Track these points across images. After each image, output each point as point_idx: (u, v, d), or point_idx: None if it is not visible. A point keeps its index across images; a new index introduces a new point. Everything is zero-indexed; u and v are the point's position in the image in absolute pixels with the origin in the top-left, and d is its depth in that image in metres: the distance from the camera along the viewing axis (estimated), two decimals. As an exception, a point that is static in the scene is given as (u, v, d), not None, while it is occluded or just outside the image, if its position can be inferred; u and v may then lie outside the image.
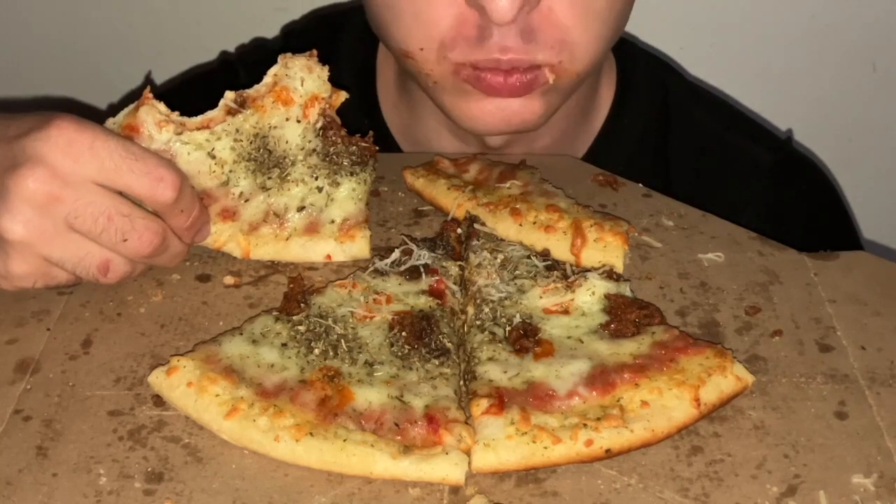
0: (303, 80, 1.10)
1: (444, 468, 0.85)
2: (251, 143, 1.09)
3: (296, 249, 1.11)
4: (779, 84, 1.98)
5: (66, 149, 0.97)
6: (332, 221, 1.11)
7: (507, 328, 0.98)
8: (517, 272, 1.04)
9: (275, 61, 1.11)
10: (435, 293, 1.02)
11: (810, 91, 1.99)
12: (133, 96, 1.10)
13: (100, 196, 0.99)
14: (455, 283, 1.04)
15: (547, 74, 1.21)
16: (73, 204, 0.98)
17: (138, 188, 1.00)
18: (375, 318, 0.99)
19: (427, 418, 0.88)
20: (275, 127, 1.10)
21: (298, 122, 1.10)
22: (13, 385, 0.95)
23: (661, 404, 0.90)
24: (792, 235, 1.20)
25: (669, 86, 1.56)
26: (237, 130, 1.09)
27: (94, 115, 1.03)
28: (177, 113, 1.07)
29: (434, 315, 0.99)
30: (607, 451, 0.87)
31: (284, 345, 0.95)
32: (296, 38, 1.63)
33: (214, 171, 1.09)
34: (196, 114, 1.08)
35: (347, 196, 1.12)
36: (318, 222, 1.11)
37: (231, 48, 1.81)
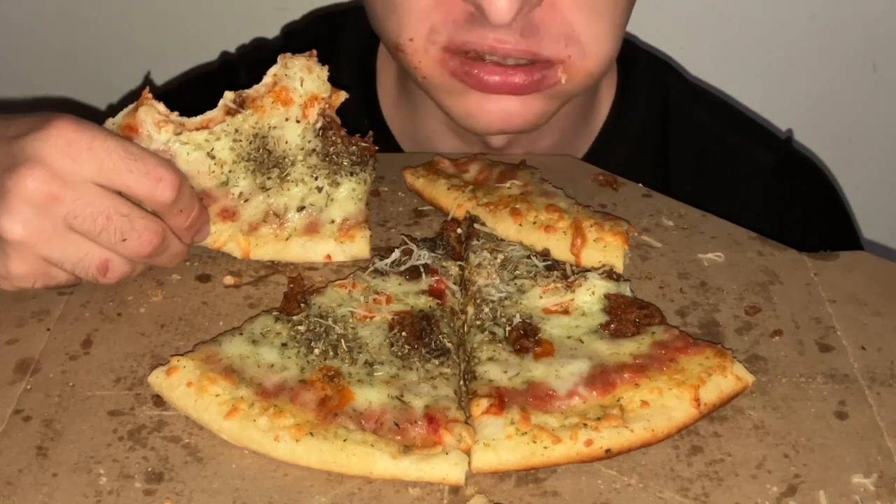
0: (302, 80, 1.10)
1: (444, 468, 0.85)
2: (251, 143, 1.09)
3: (296, 249, 1.11)
4: (779, 84, 1.98)
5: (64, 149, 0.97)
6: (332, 221, 1.11)
7: (507, 328, 0.98)
8: (517, 272, 1.04)
9: (275, 61, 1.11)
10: (435, 293, 1.02)
11: (810, 91, 1.99)
12: (133, 97, 1.10)
13: (99, 196, 0.99)
14: (455, 283, 1.04)
15: (559, 74, 1.22)
16: (72, 204, 0.98)
17: (137, 188, 1.00)
18: (375, 318, 0.99)
19: (427, 418, 0.88)
20: (274, 127, 1.10)
21: (298, 122, 1.10)
22: (13, 385, 0.95)
23: (661, 404, 0.90)
24: (792, 235, 1.20)
25: (669, 86, 1.56)
26: (236, 130, 1.09)
27: (93, 116, 1.03)
28: (176, 113, 1.07)
29: (434, 315, 0.99)
30: (607, 450, 0.87)
31: (284, 345, 0.95)
32: (296, 38, 1.63)
33: (214, 171, 1.09)
34: (196, 114, 1.08)
35: (347, 196, 1.12)
36: (318, 222, 1.11)
37: (231, 48, 1.81)
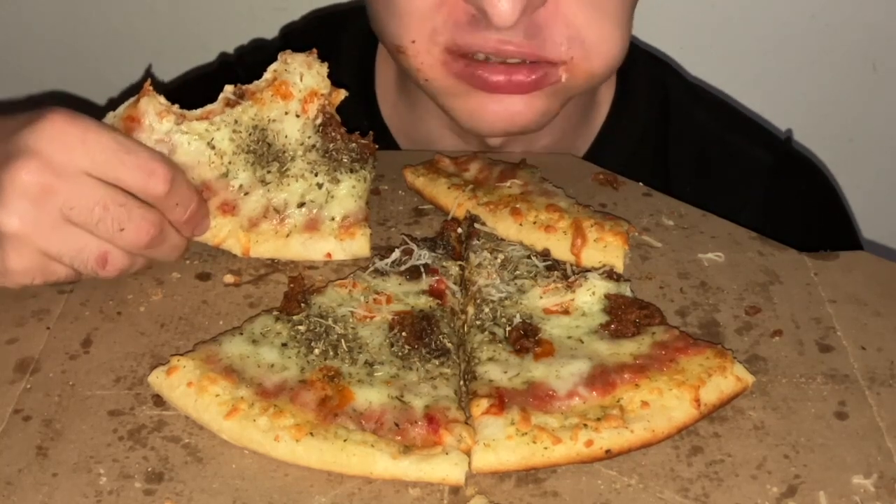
0: (302, 75, 1.10)
1: (445, 468, 0.85)
2: (250, 134, 1.10)
3: (296, 247, 1.11)
4: (779, 84, 1.98)
5: (58, 141, 0.97)
6: (333, 219, 1.11)
7: (508, 328, 0.97)
8: (517, 272, 1.04)
9: (274, 61, 1.11)
10: (435, 293, 1.02)
11: (810, 91, 1.99)
12: (133, 91, 1.10)
13: (94, 187, 0.99)
14: (455, 283, 1.04)
15: (560, 72, 1.22)
16: (68, 195, 0.98)
17: (130, 181, 1.00)
18: (376, 318, 0.99)
19: (427, 418, 0.88)
20: (274, 120, 1.10)
21: (297, 116, 1.11)
22: (13, 385, 0.95)
23: (662, 404, 0.90)
24: (791, 235, 1.20)
25: (669, 86, 1.56)
26: (236, 121, 1.09)
27: (92, 112, 1.03)
28: (176, 106, 1.08)
29: (434, 315, 0.99)
30: (607, 451, 0.87)
31: (284, 345, 0.95)
32: (295, 38, 1.63)
33: (214, 162, 1.09)
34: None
35: (347, 193, 1.12)
36: (318, 219, 1.11)
37: (231, 48, 1.81)
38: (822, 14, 1.90)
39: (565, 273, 1.04)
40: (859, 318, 1.04)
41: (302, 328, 0.96)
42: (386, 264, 1.05)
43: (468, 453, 0.87)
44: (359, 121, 1.40)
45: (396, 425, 0.88)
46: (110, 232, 1.00)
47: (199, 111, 1.09)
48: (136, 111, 1.06)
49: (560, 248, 1.09)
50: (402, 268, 1.05)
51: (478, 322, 0.99)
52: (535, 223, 1.11)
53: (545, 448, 0.87)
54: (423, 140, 1.45)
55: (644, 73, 1.53)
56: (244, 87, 1.10)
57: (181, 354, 0.94)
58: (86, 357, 0.98)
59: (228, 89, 1.10)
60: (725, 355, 0.95)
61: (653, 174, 1.41)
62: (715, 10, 1.91)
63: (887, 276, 1.10)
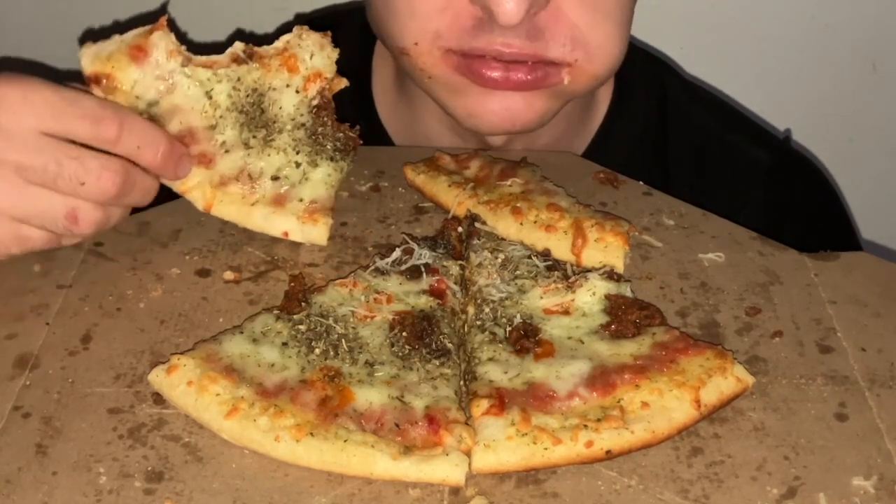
0: (313, 54, 1.11)
1: (445, 469, 0.85)
2: (248, 95, 1.10)
3: (257, 218, 1.12)
4: (779, 84, 1.98)
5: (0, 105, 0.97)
6: (301, 200, 1.12)
7: (508, 328, 0.97)
8: (518, 272, 1.04)
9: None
10: (435, 293, 1.02)
11: (810, 91, 1.99)
12: (140, 20, 1.10)
13: (44, 144, 0.99)
14: (456, 283, 1.04)
15: (563, 74, 1.22)
16: (18, 157, 0.98)
17: (79, 131, 0.99)
18: (376, 317, 0.98)
19: (427, 419, 0.88)
20: (274, 89, 1.10)
21: (297, 92, 1.11)
22: (12, 381, 0.95)
23: (662, 405, 0.90)
24: (790, 235, 1.20)
25: (667, 85, 1.56)
26: (238, 79, 1.09)
27: (51, 75, 1.03)
28: (184, 47, 1.08)
29: (435, 315, 0.99)
30: (607, 452, 0.87)
31: (285, 344, 0.95)
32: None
33: (206, 112, 1.09)
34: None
35: (322, 180, 1.12)
36: (286, 196, 1.12)
37: (230, 48, 1.80)
38: (822, 14, 1.90)
39: (566, 273, 1.04)
40: (859, 319, 1.04)
41: (302, 327, 0.96)
42: (386, 264, 1.05)
43: (468, 454, 0.87)
44: (355, 120, 1.40)
45: (397, 426, 0.87)
46: (71, 187, 1.00)
47: (204, 58, 1.08)
48: (146, 42, 1.06)
49: (560, 247, 1.09)
50: (403, 267, 1.04)
51: (478, 322, 0.99)
52: (535, 222, 1.11)
53: (545, 449, 0.87)
54: (422, 139, 1.45)
55: (642, 72, 1.53)
56: (254, 48, 1.10)
57: (181, 353, 0.93)
58: (85, 353, 0.98)
59: (239, 46, 1.09)
60: (726, 356, 0.95)
61: (652, 173, 1.40)
62: (715, 10, 1.91)
63: (887, 277, 1.10)
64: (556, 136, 1.41)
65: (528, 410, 0.89)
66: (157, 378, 0.92)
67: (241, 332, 0.96)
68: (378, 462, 0.85)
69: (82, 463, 0.87)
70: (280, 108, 1.11)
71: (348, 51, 1.51)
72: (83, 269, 1.09)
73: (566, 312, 1.00)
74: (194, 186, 1.11)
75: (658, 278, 1.09)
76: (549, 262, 1.06)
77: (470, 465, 0.86)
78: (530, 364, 0.93)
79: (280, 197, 1.12)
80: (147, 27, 1.07)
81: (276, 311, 0.99)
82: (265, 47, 1.11)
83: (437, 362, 0.94)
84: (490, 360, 0.94)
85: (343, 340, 0.95)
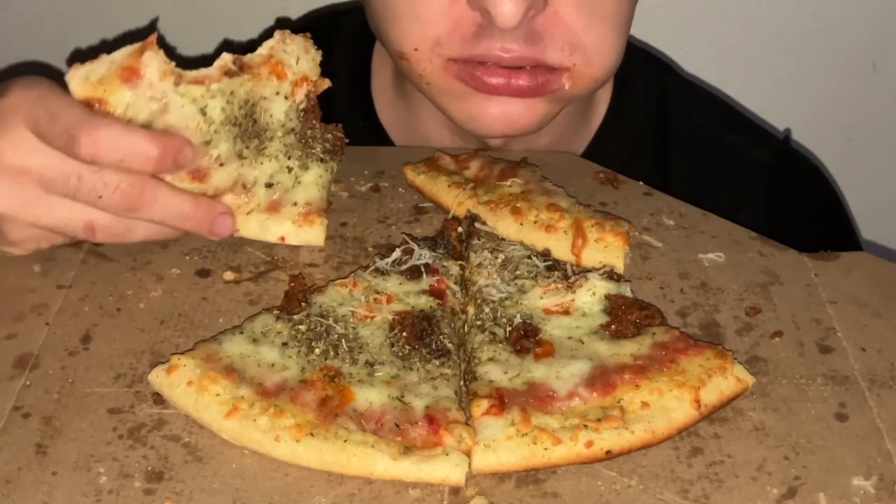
0: (298, 58, 1.10)
1: (445, 469, 0.85)
2: (241, 108, 1.09)
3: (253, 226, 1.11)
4: (779, 84, 1.98)
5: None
6: (295, 204, 1.12)
7: (508, 328, 0.97)
8: (518, 272, 1.04)
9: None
10: (435, 293, 1.02)
11: (810, 91, 1.99)
12: (130, 37, 1.08)
13: (64, 158, 1.00)
14: (456, 283, 1.04)
15: (563, 80, 1.22)
16: (41, 168, 1.00)
17: (60, 148, 0.99)
18: (376, 317, 0.98)
19: (427, 419, 0.88)
20: (265, 98, 1.10)
21: (286, 98, 1.10)
22: (12, 381, 0.95)
23: (662, 405, 0.90)
24: (790, 235, 1.20)
25: (667, 85, 1.56)
26: (231, 93, 1.08)
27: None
28: (173, 63, 1.06)
29: (435, 315, 0.99)
30: (608, 452, 0.87)
31: (285, 344, 0.95)
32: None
33: (201, 128, 1.07)
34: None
35: (313, 181, 1.12)
36: (281, 202, 1.12)
37: (230, 48, 1.80)
38: (822, 14, 1.91)
39: (566, 273, 1.04)
40: (859, 319, 1.04)
41: (302, 328, 0.96)
42: (386, 264, 1.05)
43: (468, 454, 0.87)
44: (355, 122, 1.40)
45: (397, 426, 0.87)
46: (90, 200, 1.01)
47: (194, 73, 1.06)
48: (137, 63, 1.03)
49: (560, 247, 1.09)
50: (403, 267, 1.04)
51: (478, 322, 0.99)
52: (535, 222, 1.11)
53: (545, 449, 0.87)
54: (421, 140, 1.45)
55: (641, 72, 1.53)
56: (242, 59, 1.08)
57: (181, 353, 0.93)
58: (85, 353, 0.98)
59: (228, 58, 1.08)
60: (726, 356, 0.94)
61: (651, 173, 1.41)
62: (715, 10, 1.91)
63: (888, 278, 1.10)
64: (556, 137, 1.41)
65: (528, 410, 0.89)
66: (157, 378, 0.92)
67: (241, 332, 0.96)
68: (378, 462, 0.85)
69: (82, 463, 0.86)
70: (271, 115, 1.10)
71: (348, 51, 1.52)
72: (83, 269, 1.09)
73: (566, 312, 1.00)
74: None
75: (658, 278, 1.09)
76: (549, 262, 1.06)
77: (470, 465, 0.86)
78: (530, 364, 0.93)
79: (274, 203, 1.11)
80: (137, 45, 1.04)
81: (276, 311, 0.99)
82: (250, 56, 1.09)
83: (437, 362, 0.94)
84: (490, 360, 0.94)
85: (343, 340, 0.95)
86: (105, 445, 0.88)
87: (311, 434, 0.86)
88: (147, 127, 1.04)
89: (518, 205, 1.12)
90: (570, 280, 1.02)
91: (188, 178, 1.08)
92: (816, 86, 1.98)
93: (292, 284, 1.01)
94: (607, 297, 1.00)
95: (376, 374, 0.92)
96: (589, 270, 1.05)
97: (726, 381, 0.93)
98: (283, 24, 1.79)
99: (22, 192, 1.00)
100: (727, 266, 1.11)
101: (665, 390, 0.91)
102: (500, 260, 1.06)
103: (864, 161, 2.05)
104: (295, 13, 1.86)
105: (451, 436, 0.87)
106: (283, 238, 1.12)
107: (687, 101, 1.55)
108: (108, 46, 1.06)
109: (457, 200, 1.16)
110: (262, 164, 1.11)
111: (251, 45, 1.12)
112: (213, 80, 1.07)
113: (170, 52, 1.06)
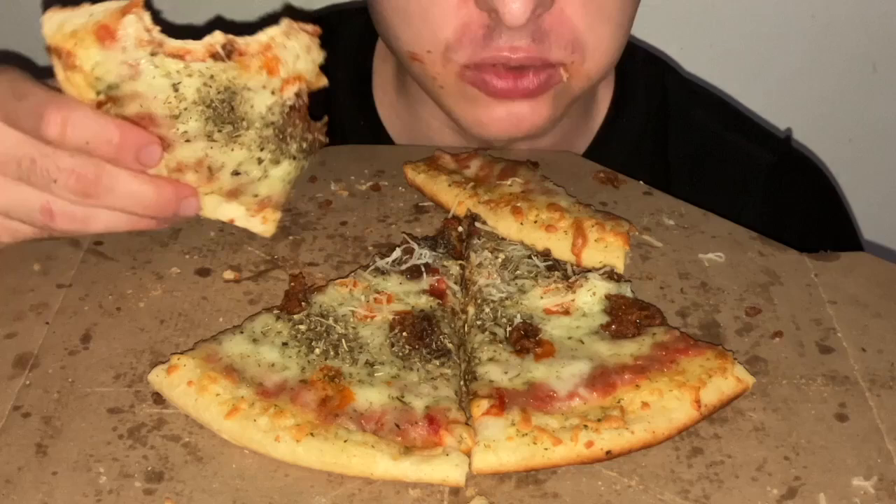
0: (298, 56, 1.04)
1: (445, 469, 0.85)
2: (219, 93, 1.02)
3: (208, 205, 1.08)
4: (779, 84, 1.98)
5: None
6: (255, 195, 1.09)
7: (508, 328, 0.97)
8: (518, 272, 1.04)
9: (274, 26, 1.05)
10: (436, 293, 1.02)
11: (810, 91, 1.99)
12: None
13: (23, 140, 0.98)
14: (456, 283, 1.04)
15: (561, 73, 1.22)
16: None
17: (25, 128, 0.98)
18: (376, 317, 0.98)
19: (428, 419, 0.88)
20: (249, 89, 1.03)
21: (273, 94, 1.04)
22: (12, 380, 0.95)
23: (662, 405, 0.90)
24: (791, 235, 1.20)
25: (668, 85, 1.56)
26: (212, 77, 1.01)
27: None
28: (158, 28, 0.99)
29: (435, 315, 0.99)
30: (608, 452, 0.87)
31: (285, 344, 0.94)
32: None
33: (170, 103, 1.01)
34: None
35: (280, 177, 1.08)
36: (242, 190, 1.08)
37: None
38: (822, 14, 1.90)
39: (566, 273, 1.04)
40: (860, 319, 1.04)
41: (303, 327, 0.96)
42: (386, 263, 1.05)
43: (468, 454, 0.87)
44: (356, 122, 1.40)
45: (397, 426, 0.87)
46: (44, 183, 0.99)
47: (176, 44, 0.99)
48: (117, 24, 0.97)
49: (561, 247, 1.09)
50: (403, 267, 1.04)
51: (478, 322, 0.99)
52: (535, 222, 1.10)
53: (545, 449, 0.87)
54: (422, 139, 1.45)
55: (642, 71, 1.53)
56: (235, 42, 1.01)
57: (181, 353, 0.93)
58: (85, 353, 0.98)
59: (219, 39, 1.00)
60: (726, 356, 0.94)
61: (652, 173, 1.40)
62: (715, 10, 1.91)
63: (888, 278, 1.10)
64: (559, 138, 1.41)
65: (529, 411, 0.89)
66: (157, 378, 0.92)
67: (242, 332, 0.96)
68: (378, 462, 0.85)
69: (82, 463, 0.86)
70: (252, 106, 1.04)
71: (349, 51, 1.51)
72: (83, 269, 1.09)
73: (566, 312, 1.00)
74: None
75: (658, 278, 1.09)
76: (550, 262, 1.06)
77: (470, 465, 0.86)
78: (530, 364, 0.93)
79: (235, 190, 1.08)
80: (121, 4, 0.98)
81: (276, 311, 0.99)
82: (246, 39, 1.02)
83: (437, 362, 0.94)
84: (490, 360, 0.94)
85: (343, 340, 0.95)
86: (105, 445, 0.88)
87: (312, 434, 0.86)
88: (113, 89, 0.99)
89: (518, 204, 1.12)
90: (571, 280, 1.02)
91: (160, 153, 1.03)
92: (817, 86, 1.98)
93: (292, 284, 1.01)
94: (607, 297, 1.00)
95: (376, 374, 0.92)
96: (589, 270, 1.05)
97: (726, 381, 0.93)
98: (293, 12, 1.79)
99: None
100: (727, 266, 1.11)
101: (665, 390, 0.91)
102: (500, 260, 1.06)
103: (864, 161, 2.05)
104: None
105: (452, 436, 0.87)
106: (232, 220, 1.10)
107: (687, 101, 1.55)
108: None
109: (457, 200, 1.16)
110: (232, 150, 1.05)
111: (248, 28, 1.05)
112: (195, 57, 1.00)
113: (156, 16, 1.00)
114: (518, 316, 0.99)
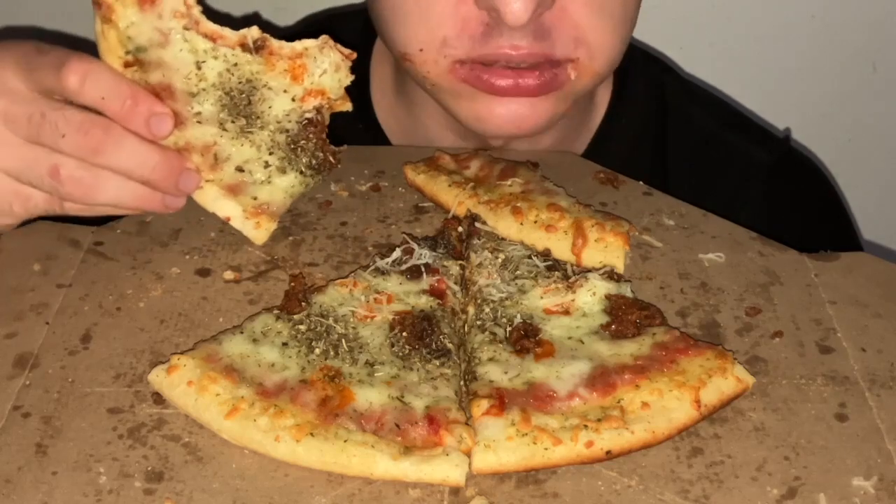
0: (325, 72, 1.06)
1: (445, 469, 0.85)
2: (240, 82, 1.05)
3: (207, 195, 1.09)
4: (779, 84, 1.98)
5: None
6: (255, 198, 1.10)
7: (508, 328, 0.97)
8: (518, 272, 1.04)
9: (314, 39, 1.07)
10: (436, 293, 1.02)
11: (810, 91, 1.99)
12: None
13: (31, 97, 1.00)
14: (456, 283, 1.04)
15: (569, 71, 1.22)
16: (4, 107, 1.00)
17: (44, 78, 0.99)
18: (376, 317, 0.98)
19: (428, 419, 0.88)
20: (269, 88, 1.06)
21: (293, 100, 1.07)
22: (12, 380, 0.95)
23: (662, 405, 0.90)
24: (790, 235, 1.20)
25: (666, 84, 1.56)
26: (236, 65, 1.04)
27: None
28: (200, 9, 1.02)
29: (435, 315, 0.99)
30: (608, 452, 0.87)
31: (285, 344, 0.95)
32: (289, 41, 1.62)
33: (190, 80, 1.04)
34: None
35: (284, 188, 1.10)
36: (242, 189, 1.09)
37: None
38: (822, 14, 1.90)
39: (566, 273, 1.04)
40: (860, 319, 1.04)
41: (303, 327, 0.96)
42: (386, 263, 1.05)
43: (468, 454, 0.87)
44: (353, 124, 1.40)
45: (397, 426, 0.87)
46: (53, 139, 1.00)
47: (212, 27, 1.03)
48: None
49: (561, 247, 1.09)
50: (403, 267, 1.04)
51: (478, 322, 0.99)
52: (535, 222, 1.10)
53: (545, 449, 0.87)
54: (421, 141, 1.44)
55: (641, 71, 1.53)
56: (269, 41, 1.04)
57: (181, 353, 0.93)
58: (85, 353, 0.98)
59: (254, 34, 1.04)
60: (726, 356, 0.94)
61: (651, 173, 1.41)
62: (715, 10, 1.91)
63: (888, 278, 1.10)
64: (559, 138, 1.41)
65: (529, 410, 0.89)
66: (157, 378, 0.92)
67: (242, 332, 0.96)
68: (378, 462, 0.85)
69: (82, 463, 0.86)
70: (270, 106, 1.06)
71: None
72: (83, 269, 1.09)
73: (566, 312, 1.00)
74: None
75: (658, 278, 1.09)
76: (550, 262, 1.06)
77: (470, 465, 0.86)
78: (530, 364, 0.93)
79: (235, 186, 1.09)
80: None
81: (276, 311, 0.99)
82: (281, 44, 1.05)
83: (437, 362, 0.94)
84: (490, 360, 0.94)
85: (343, 340, 0.95)
86: (105, 445, 0.88)
87: (311, 434, 0.86)
88: (141, 52, 1.02)
89: (518, 204, 1.12)
90: (571, 280, 1.02)
91: (173, 123, 1.04)
92: (816, 86, 1.98)
93: (292, 284, 1.01)
94: (607, 297, 1.00)
95: (376, 374, 0.92)
96: (589, 270, 1.05)
97: (726, 381, 0.93)
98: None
99: None
100: (727, 266, 1.11)
101: (665, 390, 0.91)
102: (500, 260, 1.06)
103: (864, 161, 2.05)
104: (295, 12, 1.85)
105: (452, 436, 0.87)
106: (228, 218, 1.10)
107: (687, 101, 1.55)
108: None
109: (457, 200, 1.16)
110: (241, 145, 1.07)
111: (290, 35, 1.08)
112: (226, 43, 1.03)
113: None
114: (518, 316, 0.99)
